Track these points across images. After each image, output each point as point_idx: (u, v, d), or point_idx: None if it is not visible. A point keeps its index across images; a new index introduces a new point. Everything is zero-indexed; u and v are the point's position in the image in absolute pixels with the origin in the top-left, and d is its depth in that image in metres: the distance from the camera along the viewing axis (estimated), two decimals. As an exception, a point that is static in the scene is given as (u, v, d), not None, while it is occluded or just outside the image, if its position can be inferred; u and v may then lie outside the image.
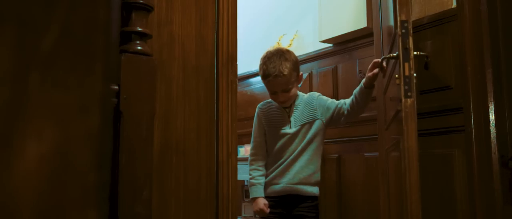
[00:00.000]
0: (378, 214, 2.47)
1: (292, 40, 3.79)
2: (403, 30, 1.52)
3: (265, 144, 2.13)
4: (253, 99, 4.07)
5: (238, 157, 3.34)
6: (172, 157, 1.79)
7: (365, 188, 2.78)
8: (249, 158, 2.15)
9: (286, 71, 1.99)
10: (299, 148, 1.98)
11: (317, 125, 2.02)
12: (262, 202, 2.04)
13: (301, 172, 1.98)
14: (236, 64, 1.92)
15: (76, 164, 0.40)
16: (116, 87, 1.60)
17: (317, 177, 2.03)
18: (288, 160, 2.00)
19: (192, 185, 1.84)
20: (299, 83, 2.09)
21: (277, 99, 2.06)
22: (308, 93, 2.18)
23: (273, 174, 2.04)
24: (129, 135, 1.66)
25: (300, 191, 1.98)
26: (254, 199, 2.07)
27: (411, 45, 1.53)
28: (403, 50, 1.50)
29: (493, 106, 2.27)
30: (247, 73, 4.15)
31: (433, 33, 2.47)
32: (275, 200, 2.05)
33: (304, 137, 2.01)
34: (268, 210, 2.03)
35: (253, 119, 4.12)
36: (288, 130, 2.03)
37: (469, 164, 2.28)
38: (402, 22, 1.52)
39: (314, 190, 2.00)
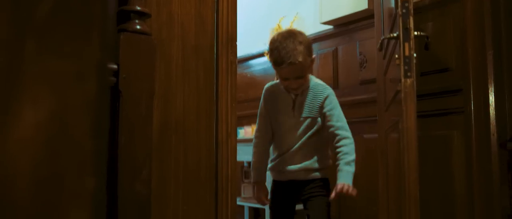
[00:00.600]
0: (377, 195, 2.49)
1: (292, 22, 3.77)
2: (404, 10, 1.51)
3: (269, 126, 2.04)
4: (253, 82, 4.07)
5: (237, 138, 3.35)
6: (172, 137, 1.79)
7: (364, 170, 2.79)
8: (253, 140, 2.10)
9: (300, 58, 1.80)
10: (304, 137, 1.89)
11: (319, 121, 1.92)
12: (263, 193, 2.00)
13: (304, 160, 1.91)
14: (236, 45, 1.91)
15: (73, 131, 0.40)
16: (115, 66, 1.59)
17: (324, 163, 1.94)
18: (292, 148, 1.93)
19: (191, 165, 1.85)
20: (311, 67, 1.93)
21: (289, 86, 1.88)
22: (322, 85, 1.97)
23: (277, 160, 1.99)
24: (128, 114, 1.66)
25: (305, 177, 1.93)
26: (256, 183, 2.05)
27: (411, 25, 1.52)
28: (404, 30, 1.49)
29: (493, 88, 2.27)
30: (247, 56, 4.14)
31: (434, 15, 2.46)
32: (280, 185, 2.02)
33: (308, 127, 1.90)
34: (267, 202, 2.00)
35: (252, 101, 4.12)
36: (292, 119, 1.92)
37: (467, 145, 2.29)
38: (403, 2, 1.51)
39: (319, 174, 1.94)
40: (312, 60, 1.88)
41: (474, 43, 2.25)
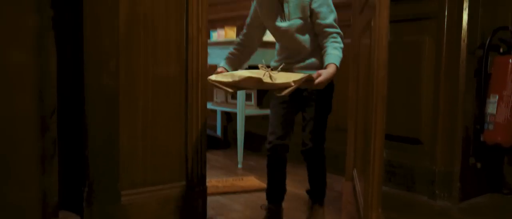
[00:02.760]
0: (346, 101, 2.53)
1: None
2: None
3: (255, 33, 1.96)
4: (227, -16, 3.92)
5: (210, 40, 3.29)
6: (140, 30, 1.74)
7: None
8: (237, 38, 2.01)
9: None
10: (297, 41, 1.83)
11: (309, 21, 1.83)
12: (219, 70, 1.88)
13: (301, 60, 1.86)
14: None
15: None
16: (77, -52, 1.49)
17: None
18: (290, 54, 1.87)
19: (161, 60, 1.81)
20: None
21: None
22: None
23: (278, 62, 1.93)
24: (93, 4, 1.59)
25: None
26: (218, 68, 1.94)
27: None
28: None
29: (468, -6, 2.25)
30: (222, -44, 3.95)
31: None
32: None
33: (300, 31, 1.83)
34: (213, 75, 1.85)
35: (226, 3, 4.00)
36: (281, 23, 1.85)
37: (438, 50, 2.31)
38: None
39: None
40: None
41: None
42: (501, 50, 2.33)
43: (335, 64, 1.70)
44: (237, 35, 3.30)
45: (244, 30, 1.97)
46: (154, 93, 1.84)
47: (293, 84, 1.53)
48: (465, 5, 2.25)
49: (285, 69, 1.81)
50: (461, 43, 2.26)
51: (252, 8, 1.95)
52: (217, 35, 3.33)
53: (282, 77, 1.58)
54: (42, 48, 0.38)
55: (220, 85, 1.57)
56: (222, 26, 3.33)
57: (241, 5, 3.71)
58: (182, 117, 1.94)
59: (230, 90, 1.60)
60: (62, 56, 1.38)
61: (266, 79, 1.55)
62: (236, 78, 1.55)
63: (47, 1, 0.39)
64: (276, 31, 1.87)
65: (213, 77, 1.63)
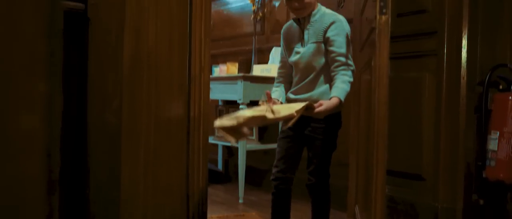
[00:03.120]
0: (348, 135, 2.53)
1: (272, -41, 3.67)
2: None
3: (287, 61, 2.01)
4: (229, 19, 4.00)
5: (212, 76, 3.33)
6: (143, 69, 1.76)
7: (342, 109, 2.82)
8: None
9: None
10: (310, 67, 1.86)
11: (323, 48, 1.87)
12: (270, 100, 1.88)
13: (312, 90, 1.88)
14: (211, -23, 1.85)
15: (23, 29, 0.38)
16: (84, -9, 1.53)
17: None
18: (302, 79, 1.89)
19: (163, 98, 1.83)
20: None
21: (291, 6, 1.86)
22: (333, 13, 1.93)
23: (289, 92, 1.96)
24: (98, 43, 1.61)
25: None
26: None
27: (389, -40, 1.49)
28: (381, -35, 1.46)
29: (466, 32, 2.28)
30: (224, -7, 4.04)
31: (414, -46, 2.42)
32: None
33: (314, 56, 1.86)
34: (263, 98, 1.86)
35: (228, 39, 4.06)
36: (300, 48, 1.90)
37: (438, 87, 2.33)
38: None
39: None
40: None
41: (452, -16, 2.24)
42: (501, 87, 2.35)
43: (339, 98, 1.71)
44: (239, 70, 3.35)
45: (279, 67, 2.03)
46: (156, 131, 1.85)
47: (295, 114, 1.55)
48: (464, 42, 2.29)
49: (293, 100, 1.84)
50: (461, 80, 2.28)
51: (281, 46, 2.02)
52: (219, 70, 3.37)
53: (284, 110, 1.60)
54: (51, 112, 0.39)
55: (225, 134, 1.60)
56: (224, 62, 3.37)
57: (243, 40, 3.77)
58: (183, 155, 1.94)
59: (233, 141, 1.63)
60: (67, 95, 1.40)
61: (269, 115, 1.57)
62: (241, 120, 1.57)
63: (59, 67, 0.41)
64: (294, 57, 1.92)
65: (218, 123, 1.65)
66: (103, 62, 1.59)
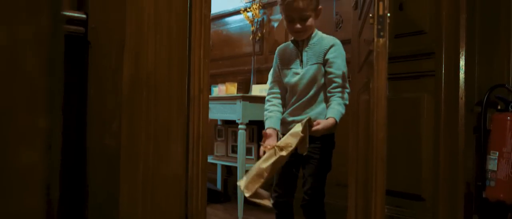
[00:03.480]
0: (347, 156, 2.53)
1: (270, -20, 3.71)
2: (380, -32, 1.49)
3: (282, 86, 2.03)
4: (228, 39, 4.02)
5: (211, 96, 3.34)
6: (143, 91, 1.77)
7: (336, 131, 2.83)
8: (266, 98, 2.07)
9: None
10: (309, 87, 1.90)
11: (323, 70, 1.90)
12: (270, 139, 1.86)
13: (309, 111, 1.90)
14: (210, -2, 1.87)
15: (24, 67, 0.39)
16: (84, 16, 1.54)
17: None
18: (299, 100, 1.93)
19: (162, 120, 1.83)
20: (317, 17, 1.94)
21: (293, 28, 1.90)
22: (332, 37, 1.99)
23: (285, 113, 1.99)
24: (98, 66, 1.62)
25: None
26: (266, 130, 1.92)
27: (386, -16, 1.51)
28: (379, -12, 1.48)
29: (464, 52, 2.30)
30: (223, 12, 4.07)
31: (411, -24, 2.45)
32: None
33: (314, 77, 1.90)
34: (265, 143, 1.86)
35: (227, 59, 4.08)
36: (299, 69, 1.95)
37: (436, 107, 2.34)
38: (379, -40, 1.49)
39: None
40: (318, 8, 1.91)
41: (449, 6, 2.26)
42: (499, 107, 2.36)
43: (335, 119, 1.78)
44: (238, 90, 3.35)
45: (272, 86, 2.04)
46: (154, 153, 1.85)
47: (302, 134, 1.62)
48: (462, 63, 2.30)
49: (284, 122, 1.90)
50: (459, 100, 2.29)
51: (272, 69, 2.04)
52: (218, 90, 3.38)
53: (290, 139, 1.67)
54: (51, 146, 0.40)
55: (259, 202, 1.67)
56: (223, 81, 3.38)
57: (242, 60, 3.79)
58: (182, 176, 1.94)
59: (269, 204, 1.71)
60: (66, 117, 1.40)
61: (283, 153, 1.64)
62: (266, 174, 1.64)
63: (59, 104, 0.41)
64: (293, 78, 1.94)
65: (247, 193, 1.69)
66: (102, 84, 1.60)
